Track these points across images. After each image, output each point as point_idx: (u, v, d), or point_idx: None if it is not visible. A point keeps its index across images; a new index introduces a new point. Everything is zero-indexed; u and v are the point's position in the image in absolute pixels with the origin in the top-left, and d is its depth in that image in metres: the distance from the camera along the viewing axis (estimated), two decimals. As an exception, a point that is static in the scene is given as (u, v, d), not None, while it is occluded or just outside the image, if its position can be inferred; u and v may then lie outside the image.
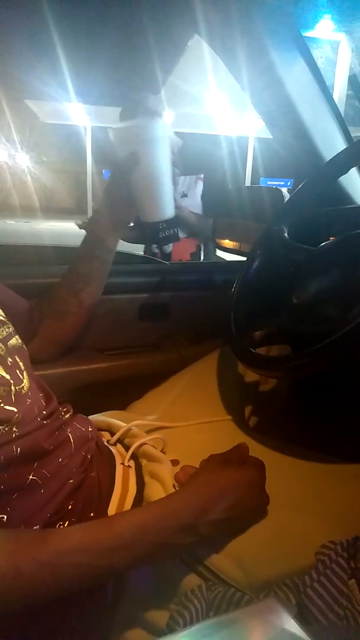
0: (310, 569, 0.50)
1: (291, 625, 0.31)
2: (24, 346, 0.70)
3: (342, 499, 0.64)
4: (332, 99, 1.06)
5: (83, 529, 0.52)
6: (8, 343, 0.65)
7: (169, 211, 0.79)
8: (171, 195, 0.79)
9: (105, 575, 0.53)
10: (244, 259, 0.92)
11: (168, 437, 0.77)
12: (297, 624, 0.31)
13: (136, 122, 0.75)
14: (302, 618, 0.47)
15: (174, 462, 0.70)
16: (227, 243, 1.29)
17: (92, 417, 0.79)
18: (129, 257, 1.19)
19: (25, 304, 0.85)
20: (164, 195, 0.78)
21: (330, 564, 0.49)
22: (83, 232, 0.89)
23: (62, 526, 0.58)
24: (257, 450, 0.70)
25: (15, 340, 0.68)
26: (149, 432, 0.81)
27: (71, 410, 0.74)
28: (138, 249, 2.06)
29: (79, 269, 0.86)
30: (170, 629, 0.52)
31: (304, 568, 0.52)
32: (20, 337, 0.70)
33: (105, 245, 0.85)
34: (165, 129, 0.75)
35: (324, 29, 1.18)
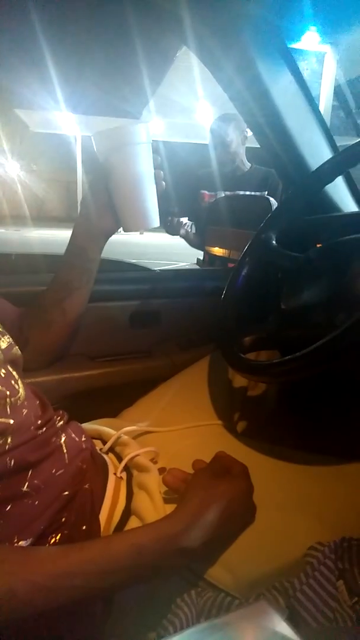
0: (299, 570, 0.51)
1: (283, 627, 0.31)
2: (20, 356, 0.70)
3: (329, 500, 0.65)
4: (318, 109, 1.09)
5: (79, 550, 0.51)
6: (9, 353, 0.65)
7: (151, 221, 0.75)
8: (154, 202, 0.75)
9: (99, 596, 0.53)
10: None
11: (158, 443, 0.77)
12: (288, 627, 0.31)
13: (115, 127, 0.70)
14: (292, 621, 0.48)
15: (162, 470, 0.70)
16: (216, 250, 1.30)
17: (83, 426, 0.79)
18: (120, 265, 1.19)
19: (17, 312, 0.85)
20: (145, 202, 0.74)
21: (319, 566, 0.50)
22: None
23: (54, 539, 0.57)
24: (244, 453, 0.71)
25: (15, 350, 0.68)
26: (138, 437, 0.81)
27: (65, 417, 0.74)
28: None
29: (61, 278, 0.85)
30: (161, 638, 0.52)
31: (292, 570, 0.52)
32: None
33: (87, 254, 0.83)
34: (145, 133, 0.71)
35: (310, 41, 1.20)
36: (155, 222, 0.76)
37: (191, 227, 2.25)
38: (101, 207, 0.77)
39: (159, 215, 0.78)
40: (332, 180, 0.88)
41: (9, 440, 0.56)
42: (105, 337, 1.10)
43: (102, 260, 1.13)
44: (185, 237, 2.30)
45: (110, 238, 0.85)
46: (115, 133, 0.70)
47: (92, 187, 0.77)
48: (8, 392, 0.59)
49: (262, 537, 0.60)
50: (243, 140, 2.14)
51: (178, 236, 2.29)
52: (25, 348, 0.83)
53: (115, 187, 0.74)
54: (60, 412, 0.74)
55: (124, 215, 0.76)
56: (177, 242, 2.56)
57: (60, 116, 14.19)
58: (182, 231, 2.26)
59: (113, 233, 0.82)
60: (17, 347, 0.69)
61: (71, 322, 0.87)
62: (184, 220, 2.24)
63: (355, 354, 0.59)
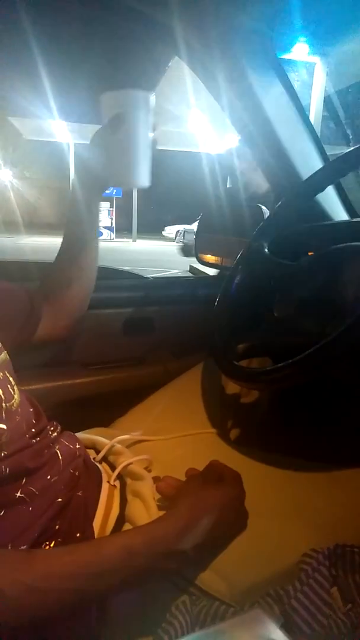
0: (293, 577, 0.51)
1: (278, 635, 0.31)
2: (9, 361, 0.69)
3: (323, 507, 0.65)
4: (308, 119, 1.10)
5: (70, 552, 0.51)
6: None
7: (143, 180, 0.82)
8: (147, 166, 0.82)
9: (90, 599, 0.53)
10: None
11: (151, 452, 0.77)
12: (283, 634, 0.31)
13: (124, 90, 0.78)
14: (287, 628, 0.48)
15: (156, 479, 0.70)
16: (208, 258, 1.31)
17: (77, 435, 0.79)
18: (113, 272, 1.20)
19: (23, 291, 0.83)
20: (140, 162, 0.81)
21: (313, 573, 0.50)
22: None
23: (48, 546, 0.57)
24: (238, 461, 0.71)
25: (4, 355, 0.67)
26: (132, 446, 0.81)
27: (59, 427, 0.73)
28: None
29: (71, 234, 0.86)
30: (156, 646, 0.51)
31: (286, 576, 0.53)
32: (25, 327, 0.73)
33: (89, 207, 0.85)
34: (148, 100, 0.79)
35: (300, 52, 1.21)
36: (146, 182, 0.82)
37: (183, 235, 2.24)
38: (99, 160, 0.81)
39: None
40: (323, 189, 0.90)
41: (4, 447, 0.56)
42: (98, 345, 1.10)
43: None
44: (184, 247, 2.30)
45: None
46: (122, 94, 0.79)
47: (95, 142, 0.81)
48: (3, 397, 0.59)
49: (256, 545, 0.60)
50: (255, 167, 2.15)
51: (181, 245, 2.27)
52: (39, 322, 0.82)
53: (116, 142, 0.80)
54: (54, 423, 0.73)
55: (120, 169, 0.82)
56: (170, 250, 2.57)
57: (54, 124, 14.24)
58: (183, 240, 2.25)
59: (107, 187, 0.88)
60: (5, 352, 0.68)
61: (87, 280, 0.88)
62: (180, 228, 2.24)
63: (346, 360, 0.60)
